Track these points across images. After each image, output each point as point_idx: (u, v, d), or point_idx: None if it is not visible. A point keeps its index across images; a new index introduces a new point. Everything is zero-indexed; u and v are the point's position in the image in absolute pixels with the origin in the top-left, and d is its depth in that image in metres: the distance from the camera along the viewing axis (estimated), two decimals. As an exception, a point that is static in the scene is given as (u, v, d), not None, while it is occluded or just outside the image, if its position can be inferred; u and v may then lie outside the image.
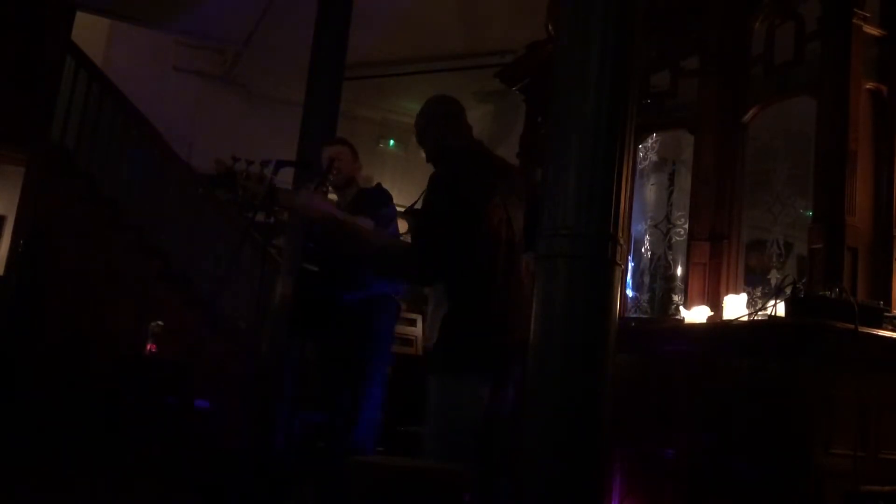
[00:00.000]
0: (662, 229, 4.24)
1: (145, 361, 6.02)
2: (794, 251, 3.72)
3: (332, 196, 4.07)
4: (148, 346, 6.07)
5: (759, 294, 3.66)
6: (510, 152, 5.36)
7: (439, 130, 2.85)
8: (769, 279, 3.68)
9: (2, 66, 6.37)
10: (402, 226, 4.98)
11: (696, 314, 3.57)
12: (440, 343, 2.65)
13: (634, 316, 4.20)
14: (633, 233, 4.30)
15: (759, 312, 3.17)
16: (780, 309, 3.02)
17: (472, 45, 7.05)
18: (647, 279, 4.31)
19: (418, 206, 2.70)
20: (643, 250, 4.34)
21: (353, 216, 3.10)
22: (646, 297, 4.30)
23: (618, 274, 2.35)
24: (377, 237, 2.96)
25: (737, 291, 3.62)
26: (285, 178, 4.97)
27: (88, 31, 7.32)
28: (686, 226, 4.04)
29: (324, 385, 3.62)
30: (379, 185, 3.86)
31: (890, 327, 2.94)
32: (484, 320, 2.64)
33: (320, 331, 3.59)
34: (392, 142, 9.13)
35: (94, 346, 6.22)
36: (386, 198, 3.68)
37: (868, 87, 3.43)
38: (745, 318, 3.16)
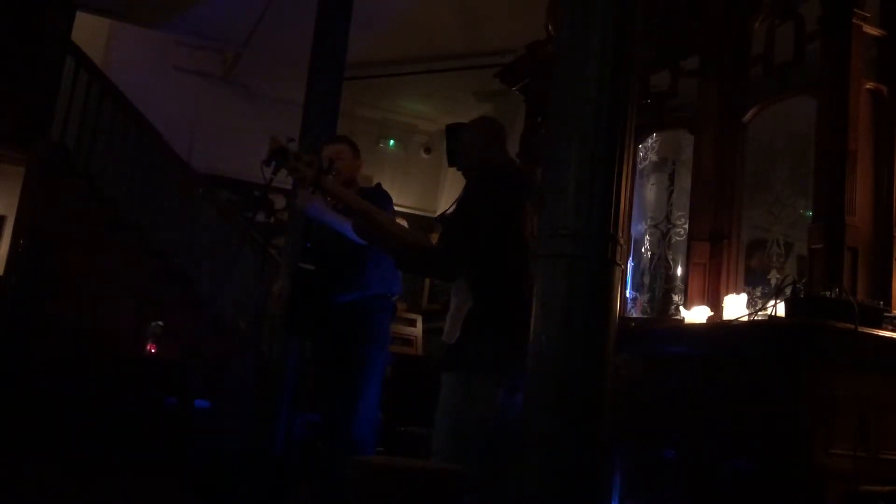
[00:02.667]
0: (662, 229, 4.24)
1: (145, 361, 6.02)
2: (794, 251, 3.71)
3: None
4: (148, 346, 6.07)
5: (759, 294, 3.66)
6: (510, 152, 5.36)
7: (483, 149, 2.94)
8: (769, 279, 3.68)
9: (2, 67, 6.37)
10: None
11: (696, 314, 3.57)
12: (460, 341, 2.67)
13: (634, 316, 4.20)
14: (633, 233, 4.30)
15: (759, 312, 3.17)
16: (780, 309, 3.02)
17: (472, 45, 7.05)
18: (647, 279, 4.31)
19: (450, 212, 2.78)
20: (643, 250, 4.34)
21: (382, 211, 3.11)
22: (646, 297, 4.30)
23: (618, 274, 2.36)
24: (400, 229, 3.00)
25: (737, 291, 3.62)
26: (285, 178, 4.98)
27: (88, 31, 7.32)
28: (686, 226, 4.04)
29: (322, 385, 3.62)
30: (379, 185, 3.86)
31: (890, 327, 2.94)
32: (507, 323, 2.66)
33: (317, 331, 3.59)
34: (392, 142, 9.13)
35: (94, 346, 6.22)
36: (385, 199, 3.68)
37: (868, 87, 3.42)
38: (745, 318, 3.16)
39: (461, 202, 2.77)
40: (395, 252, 2.95)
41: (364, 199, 3.66)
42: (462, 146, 3.00)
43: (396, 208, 3.78)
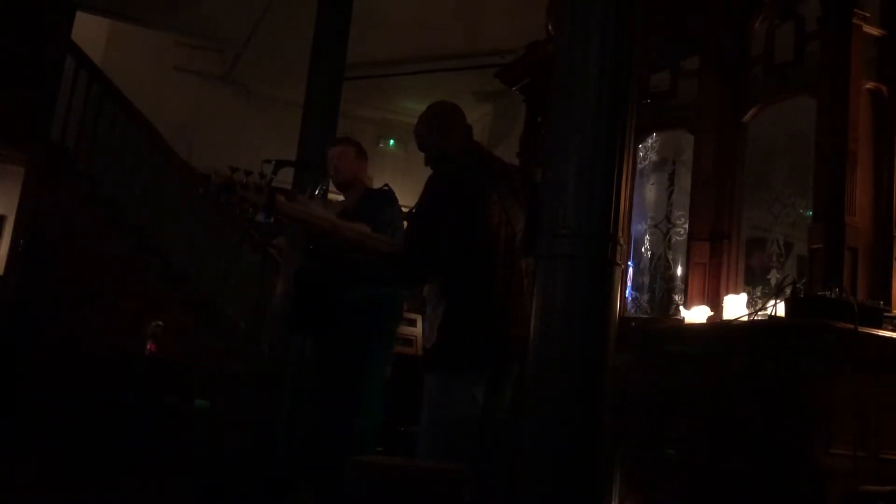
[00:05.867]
0: (662, 229, 4.24)
1: (145, 361, 6.01)
2: (794, 251, 3.72)
3: (339, 197, 4.07)
4: (148, 346, 6.07)
5: (759, 294, 3.66)
6: (510, 152, 5.36)
7: (438, 136, 2.87)
8: (769, 279, 3.68)
9: (2, 66, 6.37)
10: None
11: (696, 314, 3.57)
12: (437, 342, 2.66)
13: (634, 315, 4.20)
14: (633, 233, 4.30)
15: (759, 312, 3.17)
16: (780, 309, 3.02)
17: (472, 45, 7.06)
18: (647, 279, 4.31)
19: (412, 212, 2.73)
20: (643, 250, 4.34)
21: (351, 224, 3.08)
22: (646, 297, 4.30)
23: (618, 274, 2.35)
24: (375, 243, 2.95)
25: (737, 291, 3.62)
26: (285, 178, 4.98)
27: (88, 31, 7.32)
28: (686, 226, 4.04)
29: (324, 384, 3.62)
30: (386, 186, 3.83)
31: (890, 327, 2.95)
32: (481, 320, 2.65)
33: (323, 330, 3.59)
34: (392, 142, 9.14)
35: (94, 347, 6.22)
36: (390, 201, 3.66)
37: (868, 87, 3.43)
38: (745, 318, 3.16)
39: (419, 203, 2.70)
40: (363, 275, 2.92)
41: (369, 201, 3.65)
42: (418, 142, 2.93)
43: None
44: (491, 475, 2.69)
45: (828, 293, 2.88)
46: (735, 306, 3.42)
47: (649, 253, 4.32)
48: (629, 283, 4.29)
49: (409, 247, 2.71)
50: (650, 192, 4.42)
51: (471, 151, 2.86)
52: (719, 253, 3.78)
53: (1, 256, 7.34)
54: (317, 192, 3.54)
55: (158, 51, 8.24)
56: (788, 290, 3.08)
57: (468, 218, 2.65)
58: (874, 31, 3.44)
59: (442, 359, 2.66)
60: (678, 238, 4.14)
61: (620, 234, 2.33)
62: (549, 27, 4.92)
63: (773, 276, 3.67)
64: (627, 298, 4.27)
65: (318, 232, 3.05)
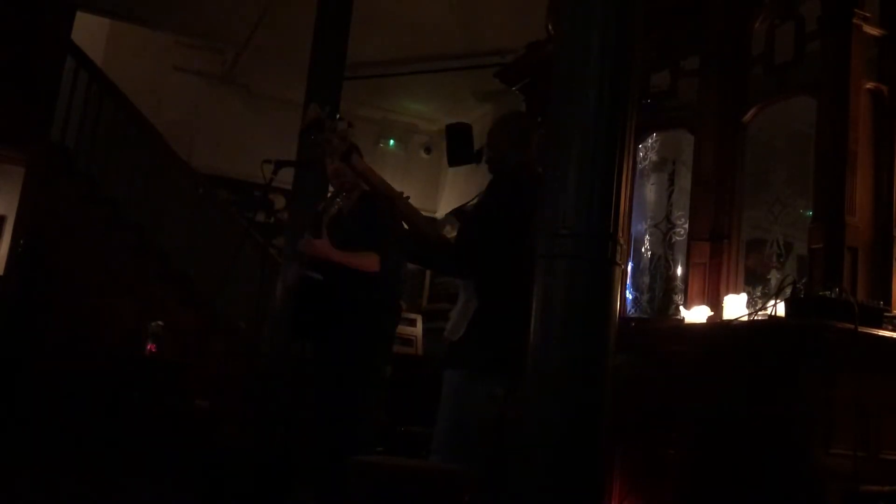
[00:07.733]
0: (662, 229, 4.24)
1: (145, 361, 6.02)
2: (794, 251, 3.72)
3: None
4: (148, 346, 6.07)
5: (759, 294, 3.66)
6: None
7: (504, 145, 2.94)
8: (769, 279, 3.68)
9: (2, 67, 6.37)
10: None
11: (696, 314, 3.57)
12: (465, 339, 2.68)
13: (634, 315, 4.20)
14: (633, 233, 4.30)
15: (759, 312, 3.17)
16: (780, 309, 3.02)
17: (472, 45, 7.05)
18: (647, 279, 4.31)
19: (469, 208, 2.78)
20: (643, 250, 4.34)
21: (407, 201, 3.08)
22: (646, 297, 4.30)
23: (618, 274, 2.35)
24: (423, 222, 2.98)
25: (737, 291, 3.62)
26: (285, 178, 4.98)
27: (88, 31, 7.32)
28: (686, 226, 4.04)
29: (325, 385, 3.62)
30: None
31: (890, 327, 2.95)
32: (512, 324, 2.66)
33: (322, 333, 3.59)
34: (392, 142, 9.13)
35: (94, 346, 6.23)
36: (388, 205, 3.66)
37: (868, 87, 3.42)
38: (745, 318, 3.16)
39: (483, 205, 2.79)
40: (413, 248, 2.96)
41: (365, 202, 3.65)
42: (490, 141, 3.00)
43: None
44: (507, 476, 2.69)
45: (828, 293, 2.87)
46: (735, 306, 3.42)
47: (649, 253, 4.31)
48: (629, 283, 4.29)
49: (462, 238, 2.80)
50: (650, 192, 4.42)
51: (527, 167, 2.91)
52: (719, 253, 3.78)
53: (1, 256, 7.35)
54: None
55: (158, 51, 8.24)
56: (788, 291, 3.08)
57: (517, 231, 2.73)
58: (874, 31, 3.44)
59: (467, 356, 2.68)
60: (678, 238, 4.14)
61: (620, 234, 2.33)
62: (549, 27, 4.91)
63: (773, 276, 3.67)
64: (627, 298, 4.27)
65: (381, 198, 3.04)
